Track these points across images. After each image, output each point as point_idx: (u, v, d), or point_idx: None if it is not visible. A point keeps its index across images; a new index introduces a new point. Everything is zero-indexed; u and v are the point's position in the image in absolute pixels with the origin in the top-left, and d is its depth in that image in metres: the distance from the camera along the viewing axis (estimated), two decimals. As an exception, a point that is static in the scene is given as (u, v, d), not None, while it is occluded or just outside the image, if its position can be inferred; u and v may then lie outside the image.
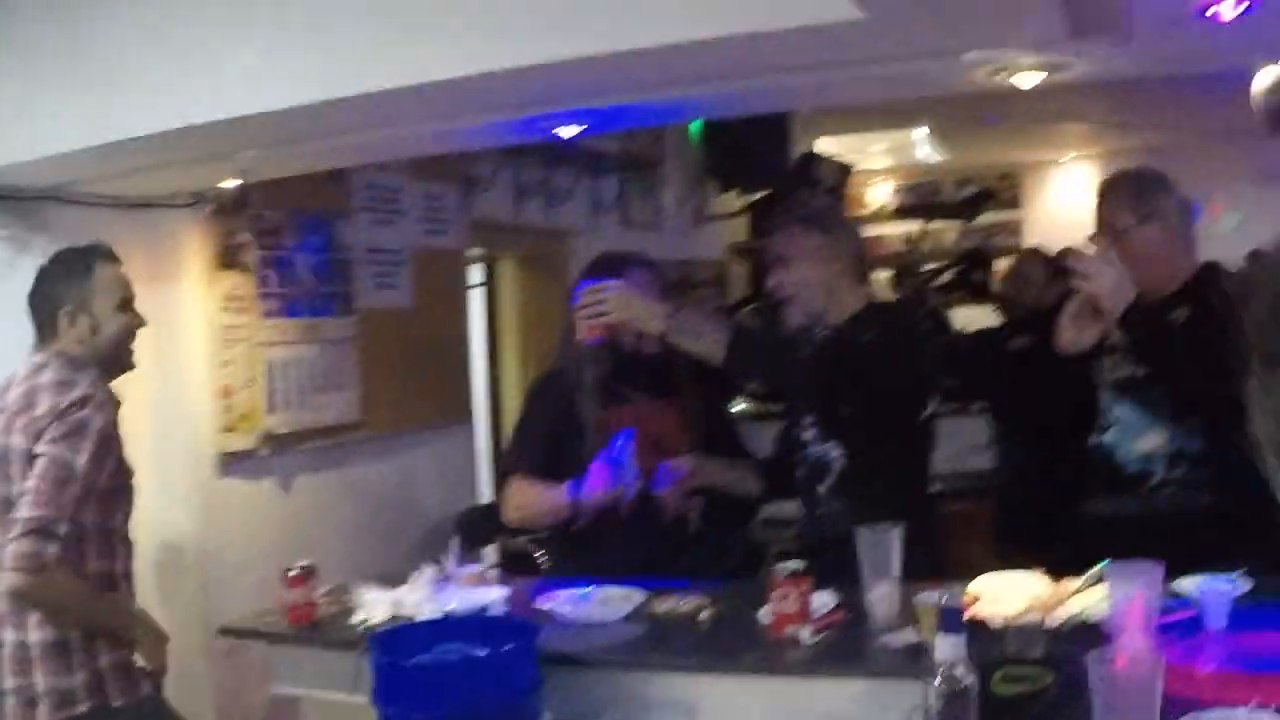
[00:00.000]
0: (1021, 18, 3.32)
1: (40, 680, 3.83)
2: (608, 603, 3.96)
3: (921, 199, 12.72)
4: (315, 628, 4.09)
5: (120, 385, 4.96)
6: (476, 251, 7.38)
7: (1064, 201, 13.42)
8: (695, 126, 9.04)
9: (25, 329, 4.16)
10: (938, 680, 2.50)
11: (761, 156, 8.72)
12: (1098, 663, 2.43)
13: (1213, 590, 3.31)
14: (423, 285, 6.48)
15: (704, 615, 3.81)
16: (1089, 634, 3.21)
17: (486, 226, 7.13)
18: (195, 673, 5.22)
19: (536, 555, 5.74)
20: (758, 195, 9.51)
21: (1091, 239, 4.13)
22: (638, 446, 4.36)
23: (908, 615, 3.50)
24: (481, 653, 3.33)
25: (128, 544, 4.10)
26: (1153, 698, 2.38)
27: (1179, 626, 3.15)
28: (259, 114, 3.85)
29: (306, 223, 5.81)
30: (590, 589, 4.10)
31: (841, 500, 4.27)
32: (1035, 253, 7.44)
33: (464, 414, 6.99)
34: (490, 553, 6.49)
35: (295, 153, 4.56)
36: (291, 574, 4.11)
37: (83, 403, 3.85)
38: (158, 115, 3.99)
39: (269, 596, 4.84)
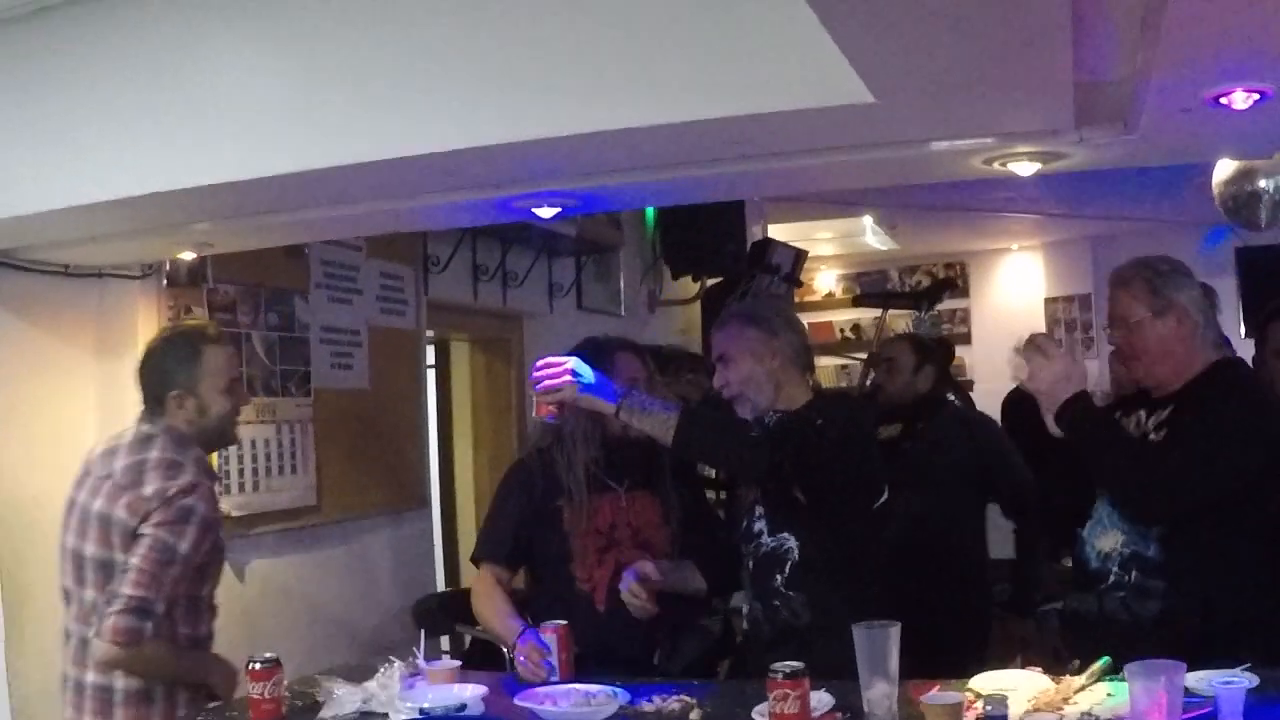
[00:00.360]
0: (1033, 105, 3.26)
1: None
2: (591, 702, 3.80)
3: (868, 287, 12.80)
4: (281, 724, 3.89)
5: (67, 461, 4.84)
6: (430, 334, 7.22)
7: (1011, 289, 13.48)
8: (650, 212, 9.03)
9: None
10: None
11: (716, 243, 8.72)
12: None
13: (1227, 685, 3.21)
14: (379, 367, 6.34)
15: (694, 715, 3.66)
16: None
17: (442, 307, 7.00)
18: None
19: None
20: (711, 282, 9.49)
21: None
22: (619, 535, 4.42)
23: (905, 716, 3.40)
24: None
25: (213, 609, 4.29)
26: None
27: None
28: (222, 184, 3.77)
29: (263, 299, 5.65)
30: (570, 688, 3.94)
31: (800, 591, 4.14)
32: (904, 339, 7.36)
33: (420, 499, 6.83)
34: (443, 642, 6.31)
35: (257, 225, 4.45)
36: (255, 667, 3.90)
37: (189, 490, 4.04)
38: (111, 183, 3.90)
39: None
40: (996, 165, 3.76)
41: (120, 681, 4.05)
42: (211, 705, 4.02)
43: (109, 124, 3.88)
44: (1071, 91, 3.17)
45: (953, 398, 7.12)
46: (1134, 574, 3.85)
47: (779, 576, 4.19)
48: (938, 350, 6.93)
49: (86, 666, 4.07)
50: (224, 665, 4.31)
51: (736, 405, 4.32)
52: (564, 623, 4.22)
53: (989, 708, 2.37)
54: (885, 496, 4.30)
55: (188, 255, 4.91)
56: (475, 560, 4.73)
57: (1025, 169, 3.76)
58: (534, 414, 4.30)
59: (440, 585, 6.96)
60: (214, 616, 4.32)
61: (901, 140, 3.52)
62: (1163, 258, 4.09)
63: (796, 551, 4.17)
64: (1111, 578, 3.90)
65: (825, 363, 13.66)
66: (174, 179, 3.80)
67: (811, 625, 3.81)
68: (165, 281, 5.20)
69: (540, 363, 4.18)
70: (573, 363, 4.13)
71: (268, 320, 5.62)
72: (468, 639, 6.16)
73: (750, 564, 4.31)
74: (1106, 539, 3.93)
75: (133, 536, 4.00)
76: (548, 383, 4.12)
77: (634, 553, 4.45)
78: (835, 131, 3.40)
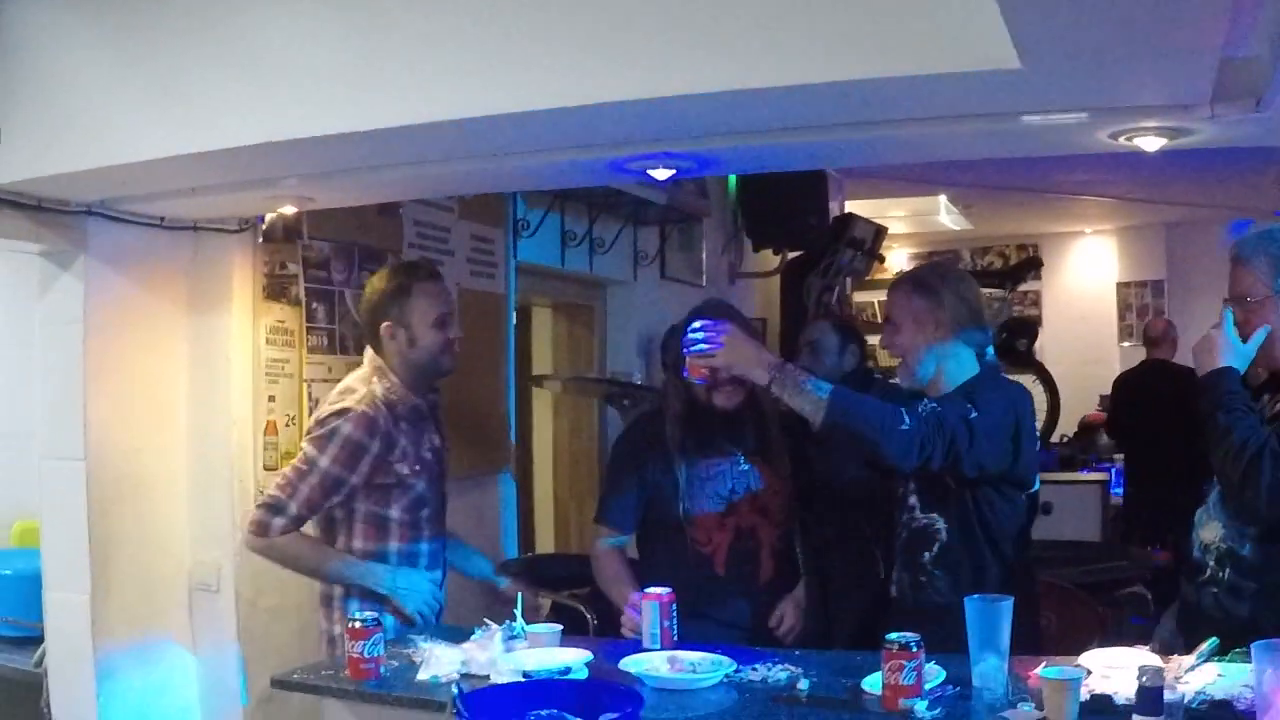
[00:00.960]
0: (1174, 77, 3.19)
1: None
2: (698, 668, 3.76)
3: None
4: (381, 683, 3.85)
5: (160, 418, 4.82)
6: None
7: (1083, 273, 13.38)
8: (732, 184, 8.98)
9: (65, 344, 4.57)
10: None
11: (797, 216, 8.67)
12: None
13: None
14: (467, 329, 6.28)
15: (801, 685, 3.62)
16: (1222, 712, 3.12)
17: (530, 272, 6.98)
18: (230, 720, 5.04)
19: (590, 616, 5.57)
20: (792, 255, 9.45)
21: (1227, 302, 3.94)
22: (737, 501, 4.52)
23: (1016, 690, 3.39)
24: (583, 721, 3.11)
25: (414, 528, 4.61)
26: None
27: None
28: (321, 137, 3.73)
29: (357, 257, 5.63)
30: (674, 654, 3.92)
31: (946, 572, 4.12)
32: (825, 320, 7.24)
33: (504, 463, 6.80)
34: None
35: (356, 181, 4.40)
36: (355, 624, 3.89)
37: (341, 413, 4.42)
38: (208, 134, 3.88)
39: (307, 646, 4.67)
40: (1123, 140, 3.68)
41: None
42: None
43: (208, 75, 3.85)
44: (1216, 66, 3.10)
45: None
46: (1228, 571, 3.78)
47: (927, 554, 4.17)
48: (858, 330, 6.87)
49: None
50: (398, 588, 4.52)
51: (899, 370, 4.32)
52: (669, 590, 4.19)
53: (1145, 678, 2.30)
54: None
55: (286, 210, 4.87)
56: (597, 521, 4.81)
57: (1151, 144, 3.67)
58: (687, 375, 4.29)
59: (515, 551, 6.91)
60: (417, 535, 4.62)
61: (1035, 110, 3.44)
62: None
63: (945, 533, 4.15)
64: (1208, 571, 3.83)
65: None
66: (271, 131, 3.77)
67: (954, 605, 3.69)
68: (260, 237, 5.17)
69: (696, 324, 4.17)
70: (730, 327, 4.14)
71: (361, 279, 5.57)
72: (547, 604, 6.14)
73: (904, 534, 4.28)
74: (1209, 530, 3.86)
75: None
76: (704, 346, 4.11)
77: (752, 517, 4.51)
78: (970, 99, 3.33)
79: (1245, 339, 3.85)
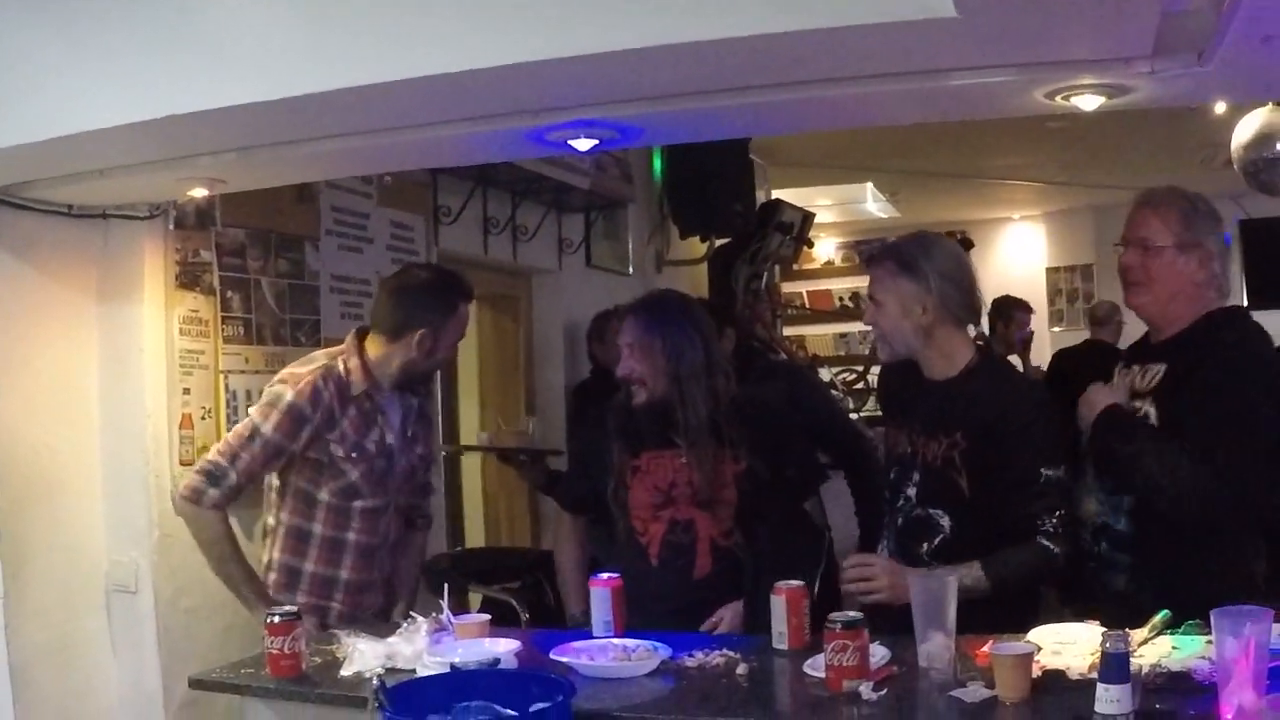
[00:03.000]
0: (1115, 29, 3.11)
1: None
2: (631, 656, 3.64)
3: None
4: (302, 680, 3.72)
5: (71, 413, 4.68)
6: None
7: (1013, 259, 13.41)
8: (658, 171, 8.91)
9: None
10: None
11: (724, 203, 8.60)
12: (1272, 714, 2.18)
13: None
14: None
15: (741, 670, 3.51)
16: (1179, 683, 3.04)
17: (453, 260, 6.82)
18: (153, 727, 4.89)
19: (520, 608, 5.47)
20: (720, 242, 9.38)
21: (1118, 246, 3.95)
22: (676, 494, 4.41)
23: (964, 669, 3.29)
24: (512, 712, 2.98)
25: (341, 515, 4.60)
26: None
27: (1274, 674, 2.92)
28: (233, 107, 3.59)
29: (273, 244, 5.48)
30: (608, 642, 3.81)
31: (944, 563, 3.87)
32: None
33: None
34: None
35: (270, 158, 4.23)
36: (274, 620, 3.75)
37: (286, 379, 4.51)
38: (117, 108, 3.73)
39: (232, 646, 4.54)
40: (1059, 99, 3.59)
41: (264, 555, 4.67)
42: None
43: (114, 47, 3.70)
44: (1158, 15, 3.02)
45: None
46: (1103, 545, 3.82)
47: (926, 545, 3.98)
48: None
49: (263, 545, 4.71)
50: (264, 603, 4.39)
51: (878, 345, 4.17)
52: (618, 575, 4.17)
53: (1109, 644, 2.20)
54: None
55: (197, 193, 4.71)
56: (563, 506, 4.92)
57: (1089, 103, 3.59)
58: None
59: (444, 545, 6.78)
60: (373, 528, 4.66)
61: (968, 66, 3.36)
62: (1200, 195, 3.95)
63: (949, 529, 3.96)
64: (1085, 545, 3.84)
65: (822, 331, 13.58)
66: (183, 102, 3.62)
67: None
68: (172, 224, 5.02)
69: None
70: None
71: (277, 267, 5.45)
72: (478, 598, 6.04)
73: (899, 520, 4.10)
74: (1086, 504, 3.87)
75: None
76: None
77: (691, 511, 4.40)
78: (900, 54, 3.24)
79: (1127, 286, 3.92)
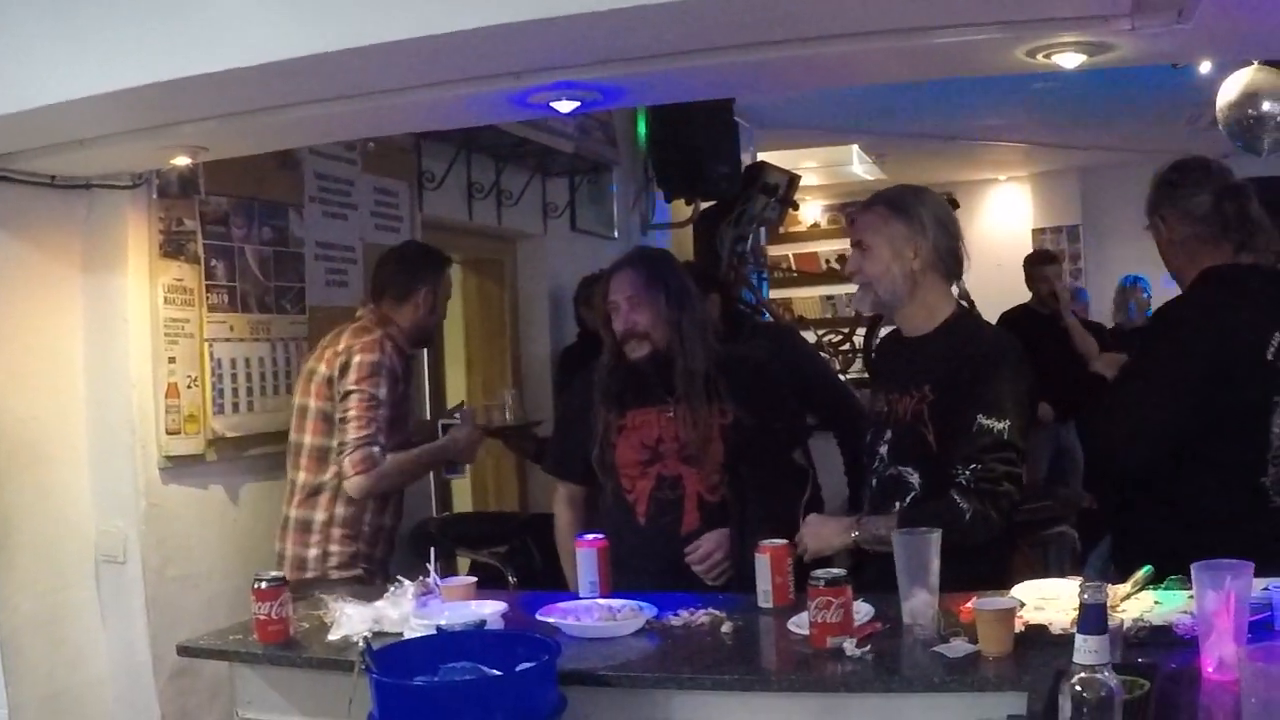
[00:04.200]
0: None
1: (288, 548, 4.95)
2: (617, 616, 3.66)
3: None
4: (290, 645, 3.75)
5: (57, 384, 4.68)
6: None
7: (999, 220, 13.41)
8: (642, 135, 8.89)
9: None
10: (1078, 686, 2.18)
11: (709, 166, 8.57)
12: (1252, 666, 2.27)
13: None
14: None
15: (726, 628, 3.54)
16: (1161, 637, 3.09)
17: (437, 226, 6.83)
18: (143, 695, 4.93)
19: (507, 571, 5.48)
20: (705, 205, 9.37)
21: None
22: (664, 450, 4.43)
23: (948, 625, 3.33)
24: (497, 672, 3.00)
25: None
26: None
27: (1254, 628, 2.99)
28: (216, 74, 3.57)
29: (256, 212, 5.46)
30: (594, 601, 3.82)
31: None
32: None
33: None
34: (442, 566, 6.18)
35: (253, 125, 4.21)
36: (261, 585, 3.76)
37: (366, 348, 4.93)
38: (100, 76, 3.71)
39: (220, 614, 4.55)
40: (1040, 57, 3.57)
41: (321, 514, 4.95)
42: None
43: (95, 16, 3.69)
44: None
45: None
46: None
47: (898, 504, 3.96)
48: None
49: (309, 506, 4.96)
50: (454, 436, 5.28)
51: (859, 295, 4.15)
52: (603, 536, 4.20)
53: (1088, 594, 2.21)
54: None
55: (180, 162, 4.69)
56: (546, 471, 5.06)
57: (1070, 60, 3.57)
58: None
59: (434, 510, 6.79)
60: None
61: (949, 24, 3.35)
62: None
63: (918, 487, 3.94)
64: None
65: (809, 293, 13.57)
66: (164, 70, 3.61)
67: None
68: (155, 193, 5.00)
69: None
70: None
71: (261, 234, 5.44)
72: (467, 562, 6.05)
73: (874, 483, 4.10)
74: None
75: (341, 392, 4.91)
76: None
77: (678, 467, 4.40)
78: (884, 11, 3.26)
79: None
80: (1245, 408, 3.79)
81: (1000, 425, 3.76)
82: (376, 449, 4.83)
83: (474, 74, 3.75)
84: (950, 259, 4.02)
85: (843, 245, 12.59)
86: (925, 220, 3.97)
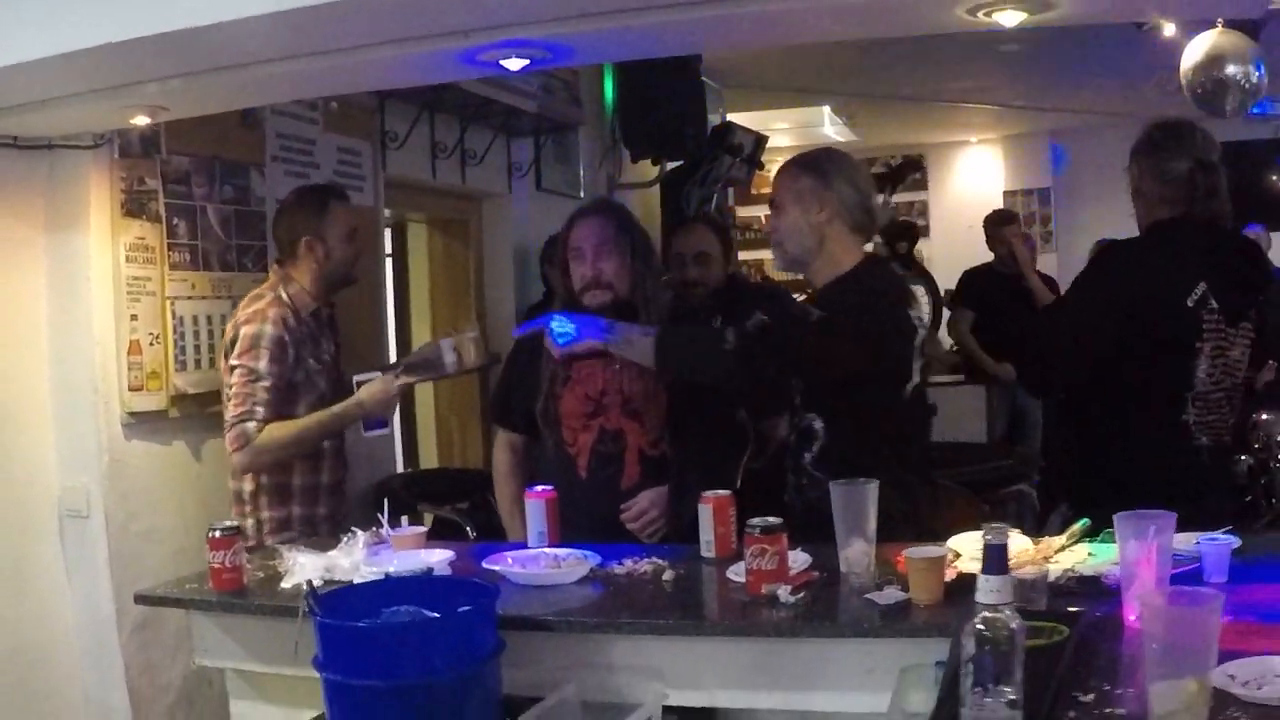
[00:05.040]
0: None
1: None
2: (561, 565, 3.74)
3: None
4: (243, 594, 3.82)
5: (20, 342, 4.72)
6: (388, 213, 7.08)
7: (970, 182, 13.45)
8: (609, 94, 8.91)
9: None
10: (980, 626, 2.25)
11: (675, 126, 8.61)
12: (1168, 611, 2.29)
13: (1213, 544, 3.26)
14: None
15: (667, 576, 3.62)
16: (1089, 587, 3.18)
17: (400, 185, 6.86)
18: (107, 648, 4.98)
19: (466, 525, 5.55)
20: (671, 166, 9.40)
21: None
22: (608, 402, 4.48)
23: (883, 574, 3.40)
24: (436, 615, 3.07)
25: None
26: (1210, 640, 2.19)
27: (1180, 579, 3.06)
28: (171, 33, 3.59)
29: (218, 171, 5.48)
30: (540, 550, 3.89)
31: (825, 474, 3.88)
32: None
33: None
34: (403, 522, 6.23)
35: (211, 84, 4.22)
36: (215, 535, 3.83)
37: (256, 319, 4.77)
38: (59, 36, 3.72)
39: (183, 569, 4.62)
40: (981, 15, 3.58)
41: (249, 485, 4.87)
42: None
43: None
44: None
45: None
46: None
47: (807, 455, 4.07)
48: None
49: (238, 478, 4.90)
50: (359, 399, 4.90)
51: (775, 253, 4.26)
52: (551, 488, 4.24)
53: (990, 536, 2.27)
54: (915, 381, 4.12)
55: (141, 121, 4.72)
56: (492, 421, 5.11)
57: (1010, 18, 3.58)
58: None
59: (400, 467, 6.85)
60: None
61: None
62: (830, 152, 4.29)
63: (823, 434, 4.04)
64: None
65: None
66: (119, 30, 3.62)
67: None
68: (117, 153, 5.02)
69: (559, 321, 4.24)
70: (554, 323, 4.16)
71: (222, 193, 5.47)
72: (429, 518, 6.11)
73: (793, 436, 4.19)
74: None
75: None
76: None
77: (621, 420, 4.45)
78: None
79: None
80: (1164, 346, 4.12)
81: (820, 320, 3.98)
82: (251, 425, 4.68)
83: (423, 32, 3.77)
84: (859, 212, 4.11)
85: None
86: (832, 175, 4.08)
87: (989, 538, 2.30)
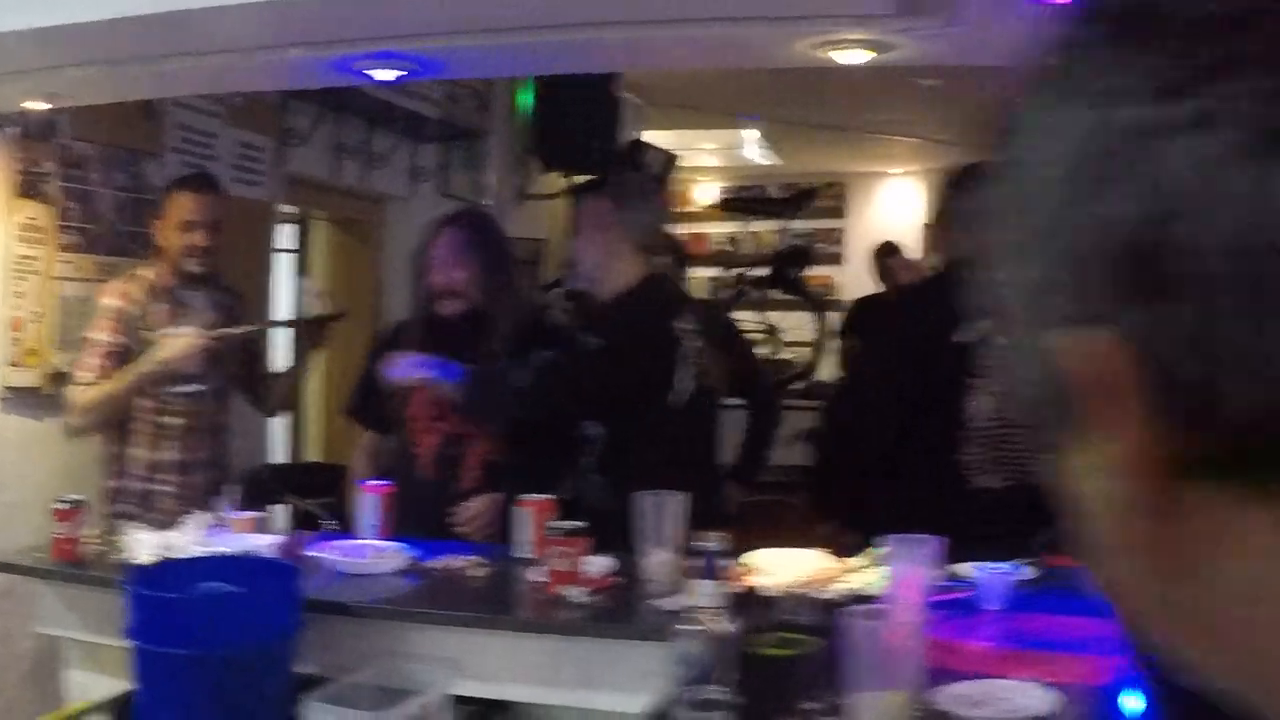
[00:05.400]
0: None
1: None
2: (380, 556, 3.90)
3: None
4: (79, 564, 3.97)
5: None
6: (289, 210, 7.21)
7: (889, 213, 13.60)
8: (524, 103, 9.02)
9: None
10: (694, 626, 2.43)
11: (587, 140, 8.71)
12: (864, 626, 2.43)
13: (990, 573, 3.40)
14: (229, 235, 6.29)
15: (477, 572, 3.77)
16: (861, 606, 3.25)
17: (301, 183, 6.99)
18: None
19: (323, 518, 5.66)
20: (581, 179, 9.50)
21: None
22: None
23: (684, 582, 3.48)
24: (235, 589, 3.25)
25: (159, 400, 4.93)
26: (905, 657, 2.37)
27: (955, 605, 3.23)
28: (67, 26, 3.69)
29: (114, 158, 5.64)
30: (364, 543, 4.04)
31: (600, 475, 4.25)
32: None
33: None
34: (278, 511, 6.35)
35: (102, 75, 4.33)
36: (59, 507, 3.98)
37: (104, 293, 4.97)
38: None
39: (43, 541, 4.71)
40: (824, 52, 3.75)
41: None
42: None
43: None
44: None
45: None
46: None
47: (587, 460, 4.30)
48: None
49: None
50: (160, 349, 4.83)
51: (570, 275, 4.46)
52: (388, 483, 4.38)
53: (706, 545, 2.45)
54: (684, 389, 4.32)
55: (37, 106, 4.85)
56: (346, 414, 5.18)
57: (856, 57, 3.77)
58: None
59: (273, 458, 6.97)
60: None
61: (724, 16, 3.55)
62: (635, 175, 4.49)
63: (599, 440, 4.29)
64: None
65: (699, 274, 13.73)
66: (15, 20, 3.72)
67: (615, 511, 3.77)
68: (17, 135, 5.16)
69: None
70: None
71: (118, 180, 5.62)
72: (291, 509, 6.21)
73: (576, 442, 4.40)
74: None
75: None
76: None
77: (465, 425, 4.55)
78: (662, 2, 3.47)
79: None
80: (938, 385, 4.12)
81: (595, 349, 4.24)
82: (78, 389, 4.82)
83: (304, 40, 3.90)
84: (646, 233, 4.39)
85: (733, 228, 12.86)
86: (622, 197, 4.36)
87: (705, 546, 2.47)
